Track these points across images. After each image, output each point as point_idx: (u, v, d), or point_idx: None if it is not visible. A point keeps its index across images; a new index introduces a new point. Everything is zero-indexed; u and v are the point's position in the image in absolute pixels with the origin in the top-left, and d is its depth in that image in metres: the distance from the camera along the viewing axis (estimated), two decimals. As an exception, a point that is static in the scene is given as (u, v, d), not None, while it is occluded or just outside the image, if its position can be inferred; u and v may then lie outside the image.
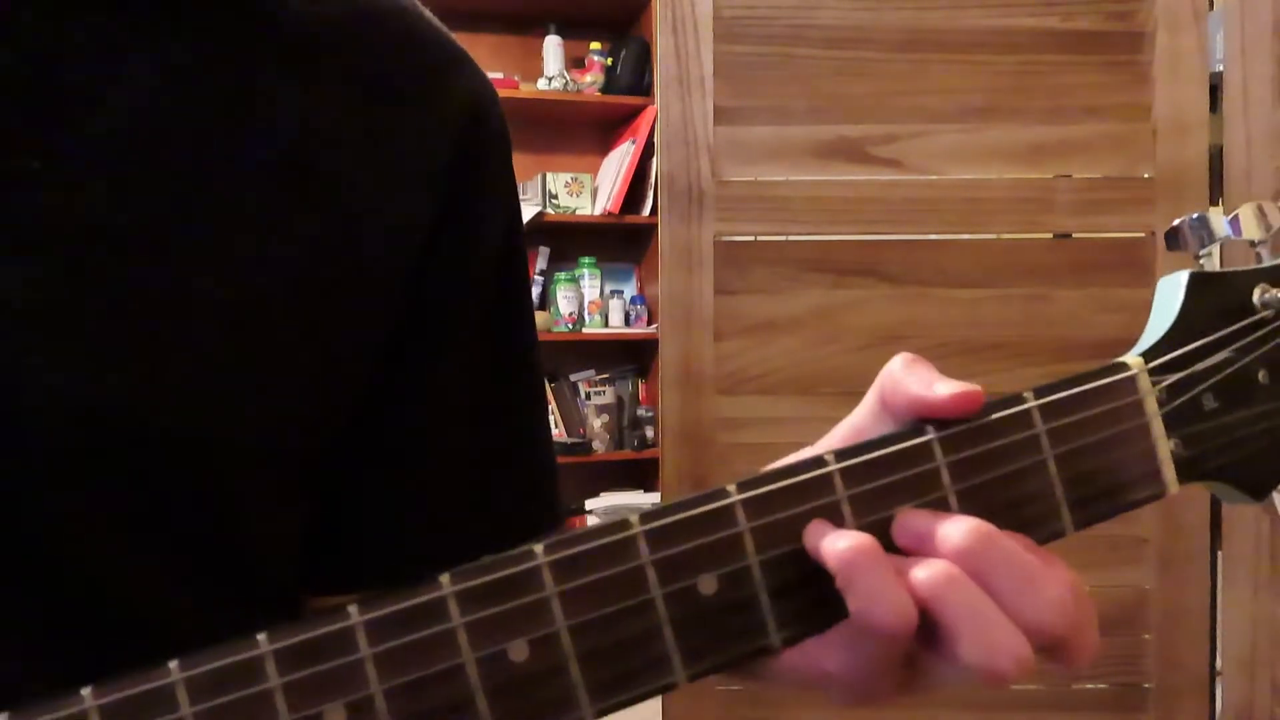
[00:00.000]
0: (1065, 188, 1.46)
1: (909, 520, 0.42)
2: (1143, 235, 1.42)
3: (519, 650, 0.38)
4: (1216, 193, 1.43)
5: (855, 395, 0.46)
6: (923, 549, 0.41)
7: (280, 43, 0.54)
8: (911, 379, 0.43)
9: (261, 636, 0.36)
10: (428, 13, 0.61)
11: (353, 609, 0.37)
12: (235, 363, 0.50)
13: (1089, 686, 1.46)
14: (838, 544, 0.40)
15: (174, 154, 0.50)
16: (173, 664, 0.36)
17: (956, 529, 0.40)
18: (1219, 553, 1.44)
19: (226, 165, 0.51)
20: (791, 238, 1.48)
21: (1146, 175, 1.42)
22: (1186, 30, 1.42)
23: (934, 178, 1.45)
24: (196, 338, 0.49)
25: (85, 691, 0.35)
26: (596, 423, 3.63)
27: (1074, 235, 1.51)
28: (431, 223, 0.57)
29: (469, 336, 0.59)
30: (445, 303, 0.58)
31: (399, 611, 0.37)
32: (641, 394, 3.71)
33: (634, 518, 0.40)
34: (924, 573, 0.39)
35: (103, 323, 0.47)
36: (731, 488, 0.41)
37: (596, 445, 3.59)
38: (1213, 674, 1.47)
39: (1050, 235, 1.51)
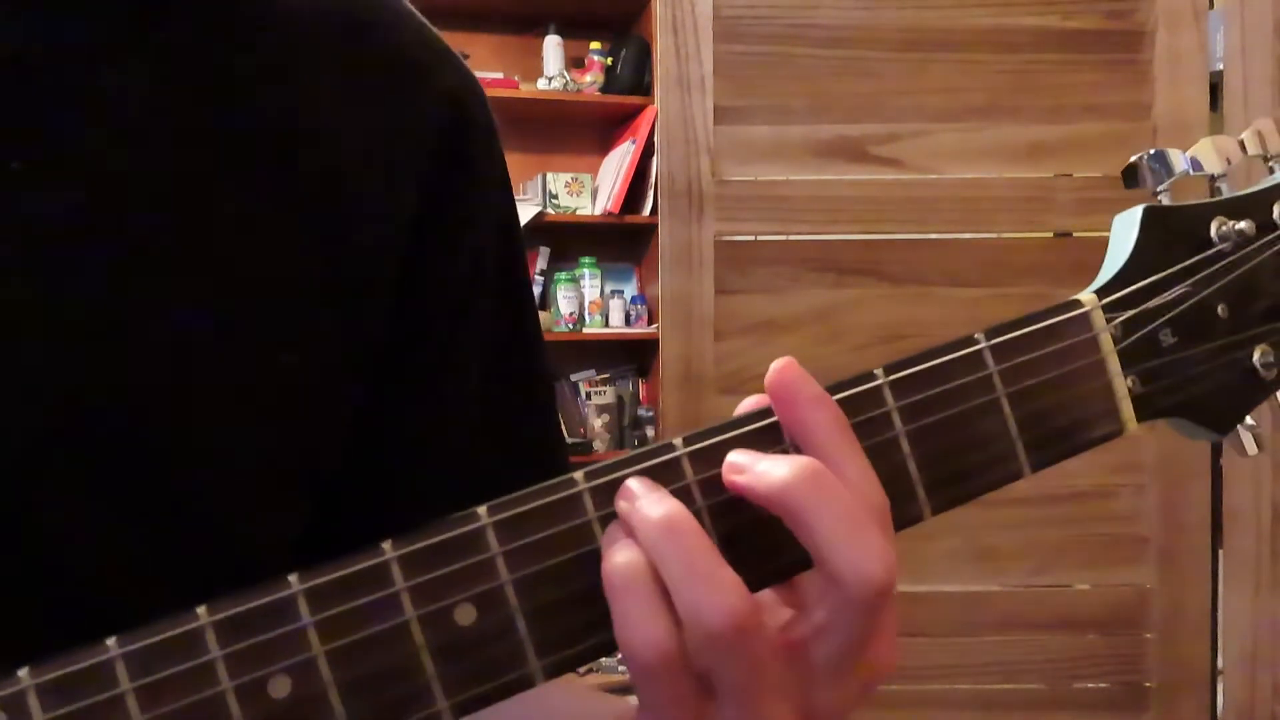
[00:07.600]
0: (1065, 187, 1.46)
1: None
2: (1143, 234, 1.42)
3: (465, 610, 0.38)
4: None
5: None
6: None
7: (264, 39, 0.54)
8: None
9: (201, 609, 0.36)
10: (412, 8, 0.61)
11: (293, 578, 0.37)
12: (224, 364, 0.50)
13: (1090, 686, 1.46)
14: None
15: (158, 153, 0.50)
16: (110, 640, 0.35)
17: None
18: (1220, 551, 1.44)
19: (212, 163, 0.51)
20: (792, 237, 1.48)
21: (1147, 174, 1.42)
22: (1186, 29, 1.42)
23: (934, 177, 1.45)
24: (181, 338, 0.49)
25: (22, 672, 0.34)
26: (597, 423, 3.63)
27: (1074, 234, 1.50)
28: (417, 217, 0.56)
29: (468, 334, 0.59)
30: (440, 299, 0.58)
31: (341, 578, 0.37)
32: (642, 394, 3.71)
33: (579, 475, 0.39)
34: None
35: (86, 322, 0.47)
36: (677, 441, 0.41)
37: (596, 445, 3.58)
38: (1214, 672, 1.47)
39: (1050, 234, 1.51)
